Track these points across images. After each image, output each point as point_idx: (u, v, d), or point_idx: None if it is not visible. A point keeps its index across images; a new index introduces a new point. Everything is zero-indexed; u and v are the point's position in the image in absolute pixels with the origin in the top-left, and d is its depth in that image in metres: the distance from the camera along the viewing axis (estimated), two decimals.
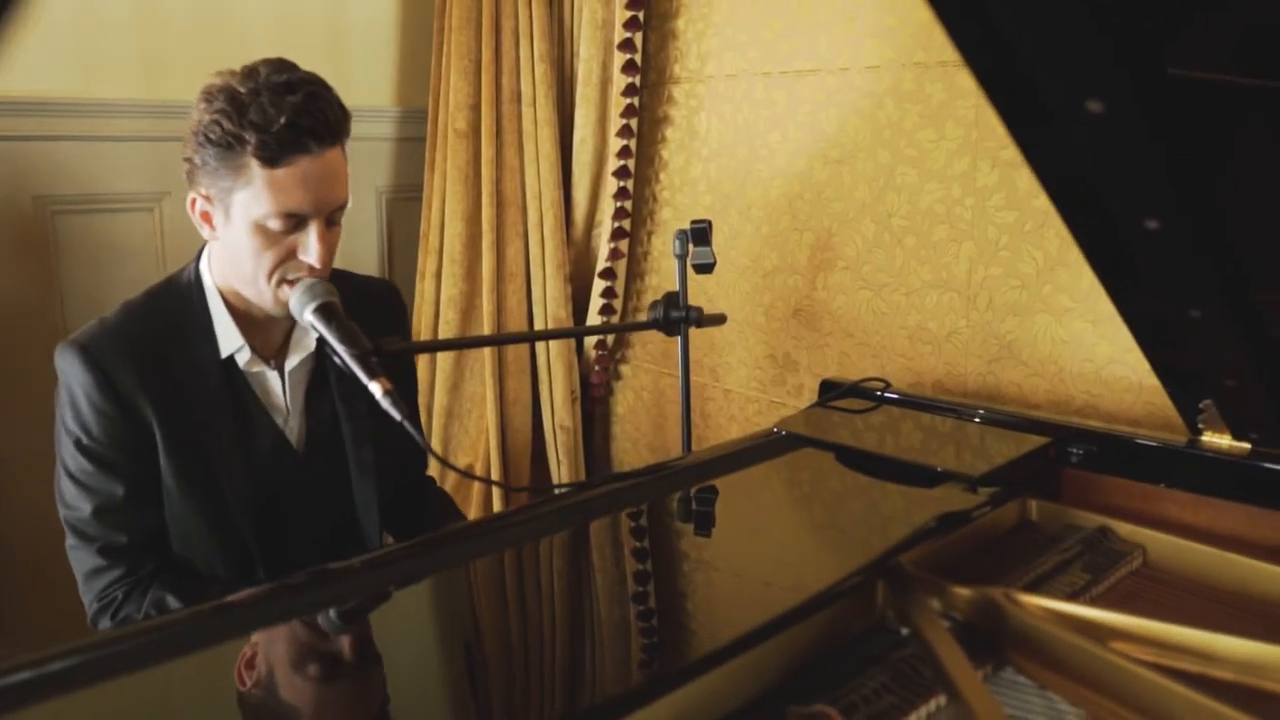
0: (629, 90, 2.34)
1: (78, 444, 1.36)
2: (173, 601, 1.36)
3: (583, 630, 1.01)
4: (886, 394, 1.72)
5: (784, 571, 1.11)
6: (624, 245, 2.51)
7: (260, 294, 1.39)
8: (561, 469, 2.63)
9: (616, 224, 2.46)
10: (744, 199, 2.29)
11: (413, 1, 2.74)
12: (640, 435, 2.67)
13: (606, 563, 1.16)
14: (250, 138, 1.28)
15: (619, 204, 2.44)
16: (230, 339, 1.43)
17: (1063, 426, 1.52)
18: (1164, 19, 0.76)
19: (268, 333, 1.47)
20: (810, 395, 2.21)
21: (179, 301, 1.45)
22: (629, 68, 2.32)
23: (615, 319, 2.60)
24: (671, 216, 2.49)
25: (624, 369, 2.71)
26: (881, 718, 0.96)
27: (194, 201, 1.39)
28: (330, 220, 1.37)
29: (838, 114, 2.06)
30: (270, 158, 1.29)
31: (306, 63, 2.49)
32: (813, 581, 1.04)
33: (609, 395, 2.75)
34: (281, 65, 1.36)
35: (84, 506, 1.37)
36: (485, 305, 2.51)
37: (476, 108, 2.48)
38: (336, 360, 1.32)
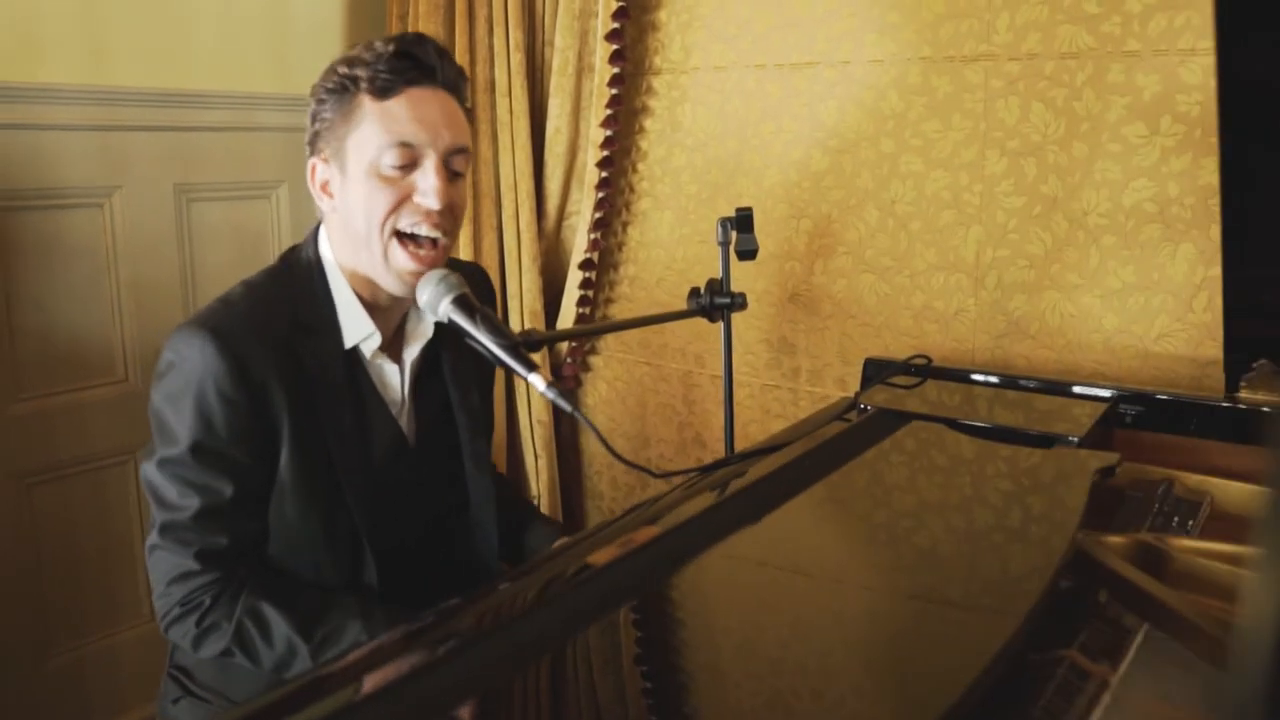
0: (614, 80, 2.34)
1: (194, 438, 1.26)
2: (268, 610, 1.29)
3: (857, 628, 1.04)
4: (932, 368, 1.83)
5: (1015, 567, 1.17)
6: (602, 236, 2.52)
7: (374, 257, 1.32)
8: (539, 463, 2.61)
9: (598, 214, 2.46)
10: (734, 188, 2.35)
11: None
12: (615, 426, 2.69)
13: (833, 560, 1.19)
14: (362, 73, 1.28)
15: (600, 194, 2.44)
16: (357, 326, 1.37)
17: (1112, 389, 1.67)
18: None
19: (387, 320, 1.42)
20: (808, 376, 2.30)
21: (301, 284, 1.37)
22: (615, 58, 2.33)
23: (588, 311, 2.60)
24: (651, 206, 2.52)
25: (594, 360, 2.71)
26: (1112, 651, 1.05)
27: (314, 169, 1.34)
28: (451, 168, 1.33)
29: (837, 105, 2.15)
30: (382, 88, 1.28)
31: (251, 47, 2.40)
32: (1040, 573, 1.08)
33: (578, 386, 2.75)
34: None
35: (188, 506, 1.28)
36: None
37: None
38: (485, 354, 1.29)
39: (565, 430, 2.78)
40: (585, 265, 2.50)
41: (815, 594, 1.08)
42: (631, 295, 2.60)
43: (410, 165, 1.30)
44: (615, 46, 2.32)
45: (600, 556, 1.12)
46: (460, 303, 1.29)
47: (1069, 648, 1.04)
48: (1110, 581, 1.15)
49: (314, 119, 1.33)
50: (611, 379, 2.68)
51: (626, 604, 1.02)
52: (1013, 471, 1.33)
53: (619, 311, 2.64)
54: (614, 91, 2.36)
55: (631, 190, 2.54)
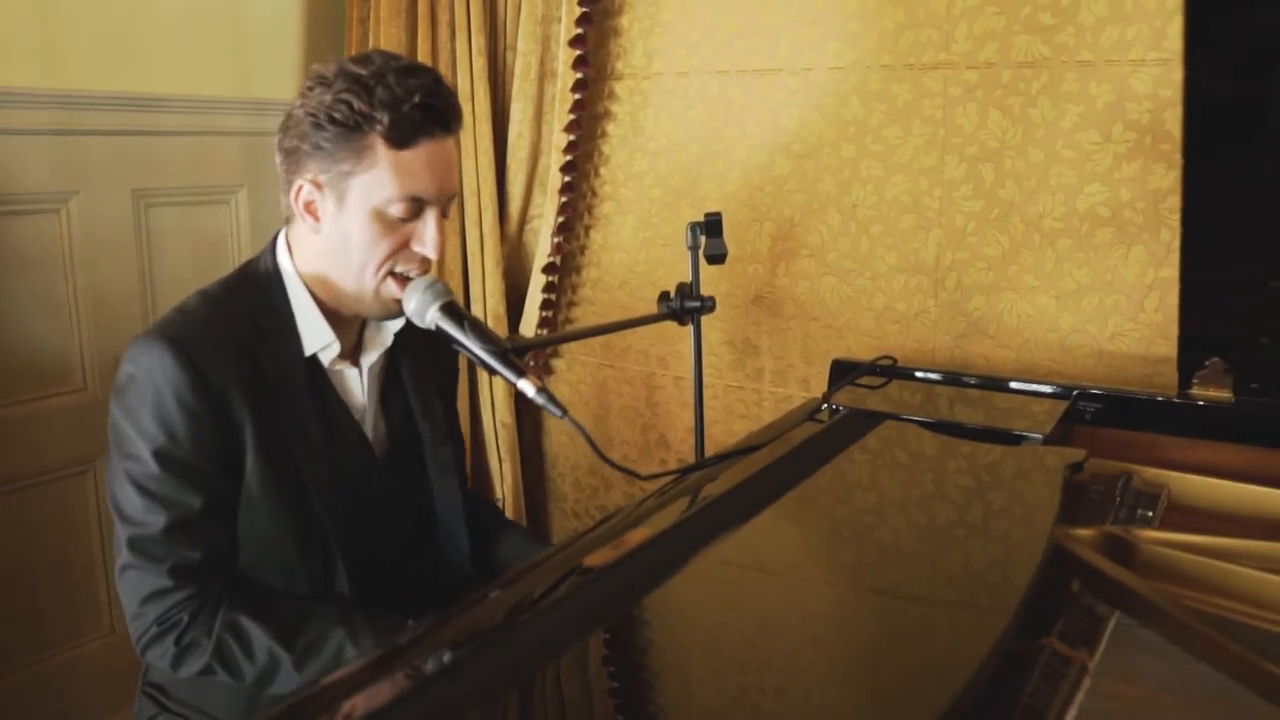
0: (578, 85, 2.36)
1: (156, 450, 1.25)
2: (247, 623, 1.29)
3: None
4: (897, 369, 1.89)
5: (992, 561, 1.21)
6: (565, 239, 2.54)
7: (363, 288, 1.33)
8: (504, 467, 2.62)
9: (562, 218, 2.48)
10: (697, 192, 2.38)
11: None
12: None
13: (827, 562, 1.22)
14: (381, 117, 1.25)
15: (564, 198, 2.46)
16: (316, 335, 1.36)
17: (1072, 387, 1.73)
18: None
19: (348, 329, 1.42)
20: (772, 377, 2.34)
21: (259, 294, 1.37)
22: (579, 63, 2.35)
23: (551, 314, 2.62)
24: (613, 210, 2.54)
25: (556, 363, 2.73)
26: (1088, 638, 1.10)
27: (299, 190, 1.32)
28: (444, 213, 1.35)
29: (800, 111, 2.20)
30: (400, 138, 1.26)
31: (210, 51, 2.38)
32: (1023, 568, 1.12)
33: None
34: (393, 54, 1.33)
35: (155, 521, 1.27)
36: None
37: None
38: (474, 360, 1.30)
39: (528, 433, 2.79)
40: (549, 269, 2.52)
41: (809, 597, 1.11)
42: (594, 298, 2.62)
43: (413, 214, 1.31)
44: (579, 52, 2.34)
45: (594, 560, 1.14)
46: (448, 310, 1.30)
47: (1049, 635, 1.08)
48: (1083, 572, 1.20)
49: (304, 137, 1.29)
50: (574, 382, 2.70)
51: (615, 615, 1.03)
52: (986, 469, 1.38)
53: (582, 314, 2.66)
54: (577, 96, 2.38)
55: (594, 194, 2.57)
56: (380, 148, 1.26)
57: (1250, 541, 1.31)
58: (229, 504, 1.32)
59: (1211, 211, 1.22)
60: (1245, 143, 1.10)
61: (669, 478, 1.43)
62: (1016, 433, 1.52)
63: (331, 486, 1.36)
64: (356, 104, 1.24)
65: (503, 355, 1.29)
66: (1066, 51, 1.87)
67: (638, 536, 1.20)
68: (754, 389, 2.38)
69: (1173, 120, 1.77)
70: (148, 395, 1.25)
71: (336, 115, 1.25)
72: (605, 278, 2.59)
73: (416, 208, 1.30)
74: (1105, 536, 1.31)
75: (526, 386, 1.27)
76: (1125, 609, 1.15)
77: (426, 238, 1.31)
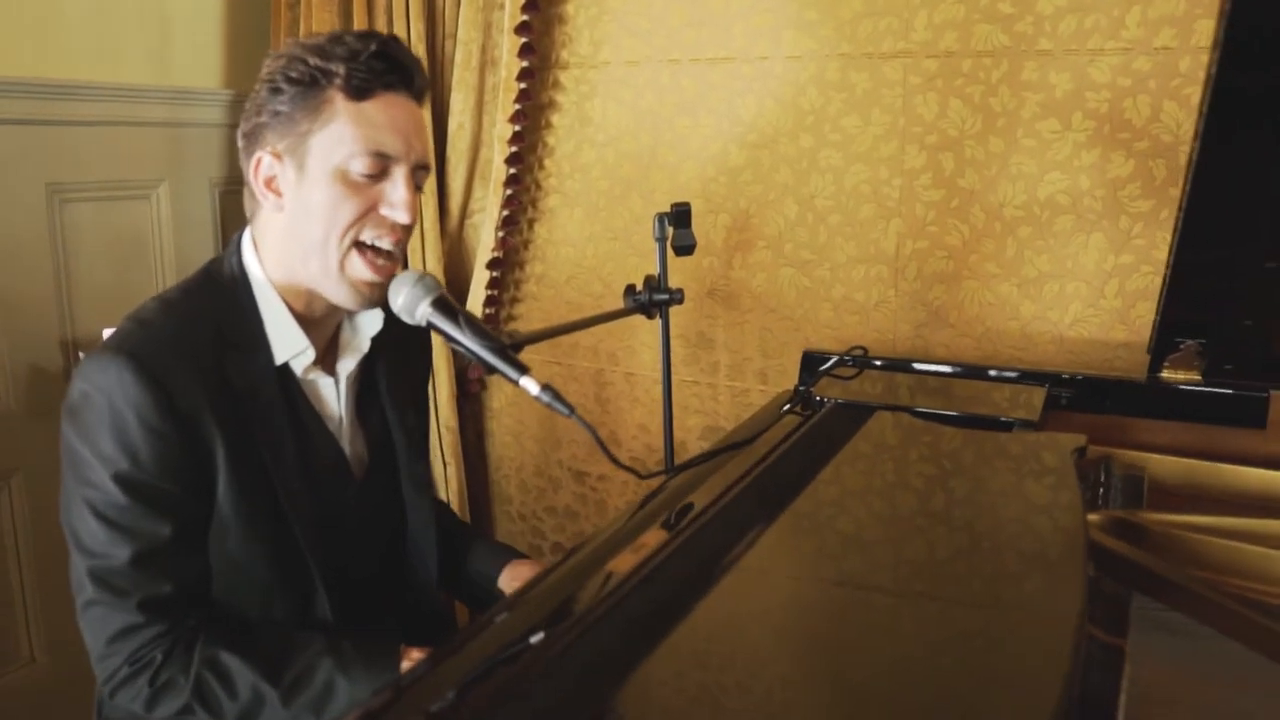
0: (523, 75, 2.29)
1: (116, 474, 1.13)
2: (228, 658, 1.18)
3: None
4: (871, 359, 1.88)
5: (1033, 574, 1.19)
6: (509, 234, 2.46)
7: (327, 264, 1.22)
8: (449, 471, 2.52)
9: (506, 212, 2.40)
10: (648, 183, 2.33)
11: None
12: (523, 429, 2.63)
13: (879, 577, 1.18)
14: (338, 69, 1.18)
15: (509, 191, 2.38)
16: (288, 341, 1.26)
17: (1042, 374, 1.74)
18: None
19: (321, 333, 1.31)
20: (728, 371, 2.31)
21: (224, 299, 1.25)
22: (524, 52, 2.27)
23: (494, 311, 2.53)
24: (559, 203, 2.47)
25: None
26: (1117, 622, 1.09)
27: (258, 164, 1.22)
28: (415, 181, 1.25)
29: (755, 101, 2.17)
30: (359, 88, 1.19)
31: (127, 38, 2.23)
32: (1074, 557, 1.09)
33: (483, 390, 2.67)
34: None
35: (119, 553, 1.15)
36: None
37: None
38: (474, 359, 1.22)
39: (471, 436, 2.69)
40: (493, 264, 2.43)
41: (872, 603, 1.07)
42: (539, 294, 2.55)
43: (379, 175, 1.21)
44: (524, 40, 2.26)
45: (617, 566, 1.08)
46: (440, 305, 1.21)
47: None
48: (1100, 556, 1.19)
49: (261, 109, 1.21)
50: None
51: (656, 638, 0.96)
52: (995, 458, 1.36)
53: (526, 311, 2.58)
54: (523, 86, 2.30)
55: (538, 187, 2.49)
56: (339, 100, 1.18)
57: (1254, 520, 1.33)
58: (199, 529, 1.21)
59: (1214, 192, 1.23)
60: (1261, 125, 1.11)
61: (668, 476, 1.38)
62: (1007, 420, 1.51)
63: (308, 504, 1.26)
64: (313, 60, 1.18)
65: (502, 352, 1.22)
66: (1026, 41, 1.88)
67: (653, 540, 1.14)
68: (709, 383, 2.34)
69: (1132, 109, 1.81)
70: (105, 416, 1.13)
71: (293, 74, 1.18)
72: (551, 273, 2.52)
73: (382, 164, 1.20)
74: (1113, 520, 1.31)
75: (530, 384, 1.20)
76: (1151, 593, 1.14)
77: (395, 198, 1.21)
